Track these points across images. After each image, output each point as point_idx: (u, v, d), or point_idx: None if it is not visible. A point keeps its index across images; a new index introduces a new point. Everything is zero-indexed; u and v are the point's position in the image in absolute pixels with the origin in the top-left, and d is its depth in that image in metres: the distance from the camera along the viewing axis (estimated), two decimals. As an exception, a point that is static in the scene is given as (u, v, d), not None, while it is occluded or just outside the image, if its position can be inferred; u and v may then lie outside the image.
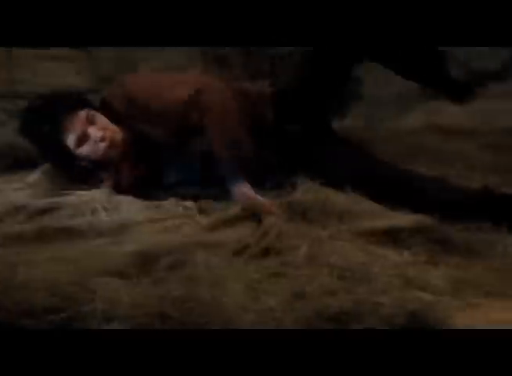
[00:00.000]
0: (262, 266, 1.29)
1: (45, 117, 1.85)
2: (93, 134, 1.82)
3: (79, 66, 2.33)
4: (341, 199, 1.70)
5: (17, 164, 2.11)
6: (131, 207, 1.80)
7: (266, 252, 1.46)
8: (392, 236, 1.48)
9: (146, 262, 1.36)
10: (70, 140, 1.82)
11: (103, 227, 1.59)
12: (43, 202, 1.64)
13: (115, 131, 1.86)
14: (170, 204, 1.83)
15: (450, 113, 3.00)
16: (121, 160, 1.88)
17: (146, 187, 1.91)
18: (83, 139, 1.83)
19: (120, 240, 1.53)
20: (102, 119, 1.86)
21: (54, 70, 2.27)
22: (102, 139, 1.82)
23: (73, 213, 1.63)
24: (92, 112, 1.85)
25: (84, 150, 1.83)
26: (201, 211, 1.78)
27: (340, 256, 1.30)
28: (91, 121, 1.84)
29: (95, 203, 1.71)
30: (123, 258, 1.37)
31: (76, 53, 2.31)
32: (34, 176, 1.85)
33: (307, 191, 1.74)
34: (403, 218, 1.53)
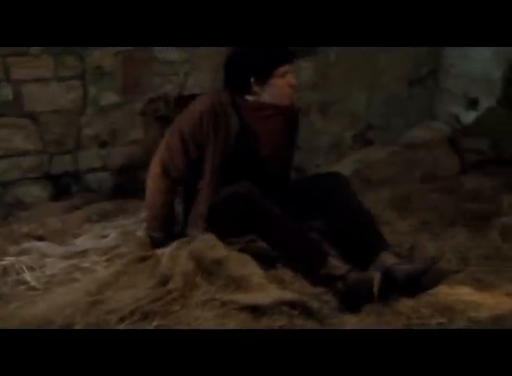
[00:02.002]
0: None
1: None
2: (292, 79, 2.20)
3: (28, 132, 2.64)
4: (232, 262, 1.97)
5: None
6: (56, 265, 2.11)
7: (147, 316, 1.77)
8: (253, 308, 1.77)
9: (41, 326, 1.65)
10: (277, 71, 2.16)
11: (22, 289, 1.90)
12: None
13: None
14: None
15: (375, 162, 3.29)
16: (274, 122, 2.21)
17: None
18: (283, 74, 2.17)
19: (32, 301, 1.84)
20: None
21: (5, 136, 2.59)
22: (293, 87, 2.21)
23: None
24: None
25: (278, 82, 2.17)
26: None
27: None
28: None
29: (21, 264, 2.01)
30: (25, 321, 1.67)
31: (24, 121, 2.63)
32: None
33: (204, 245, 2.02)
34: (268, 294, 1.80)
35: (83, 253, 2.19)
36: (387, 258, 1.98)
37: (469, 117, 3.30)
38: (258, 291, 1.82)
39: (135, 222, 2.44)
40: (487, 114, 3.17)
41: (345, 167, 3.25)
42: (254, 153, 2.20)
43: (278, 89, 2.20)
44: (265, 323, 1.74)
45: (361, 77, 3.36)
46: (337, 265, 1.94)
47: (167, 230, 2.23)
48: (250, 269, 1.95)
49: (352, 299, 1.89)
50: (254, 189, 2.05)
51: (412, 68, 3.49)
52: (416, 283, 1.92)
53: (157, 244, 2.20)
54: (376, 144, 3.51)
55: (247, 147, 2.19)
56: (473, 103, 3.27)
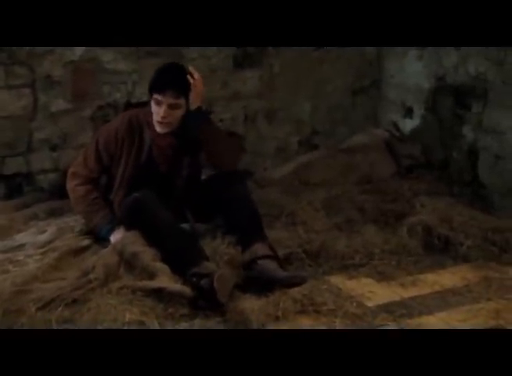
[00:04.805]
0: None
1: None
2: (160, 111, 2.31)
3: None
4: (147, 255, 2.18)
5: None
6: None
7: (66, 303, 1.97)
8: (160, 296, 1.99)
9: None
10: (153, 95, 2.32)
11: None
12: None
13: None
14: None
15: (315, 165, 3.49)
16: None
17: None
18: (156, 101, 2.31)
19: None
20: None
21: None
22: (162, 118, 2.31)
23: None
24: None
25: (153, 107, 2.33)
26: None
27: (96, 314, 1.82)
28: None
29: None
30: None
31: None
32: None
33: (126, 240, 2.22)
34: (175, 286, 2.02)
35: (20, 247, 2.38)
36: (259, 250, 2.17)
37: (406, 124, 3.51)
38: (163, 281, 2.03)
39: (76, 219, 2.63)
40: (419, 122, 3.38)
41: (286, 170, 3.47)
42: (156, 165, 2.42)
43: (153, 112, 2.36)
44: (169, 311, 1.96)
45: (305, 86, 3.56)
46: (207, 266, 2.09)
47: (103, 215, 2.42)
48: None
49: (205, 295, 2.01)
50: (150, 196, 2.28)
51: (356, 78, 3.69)
52: (270, 286, 2.10)
53: (99, 230, 2.40)
54: (320, 148, 3.71)
55: (153, 160, 2.42)
56: (409, 112, 3.48)
